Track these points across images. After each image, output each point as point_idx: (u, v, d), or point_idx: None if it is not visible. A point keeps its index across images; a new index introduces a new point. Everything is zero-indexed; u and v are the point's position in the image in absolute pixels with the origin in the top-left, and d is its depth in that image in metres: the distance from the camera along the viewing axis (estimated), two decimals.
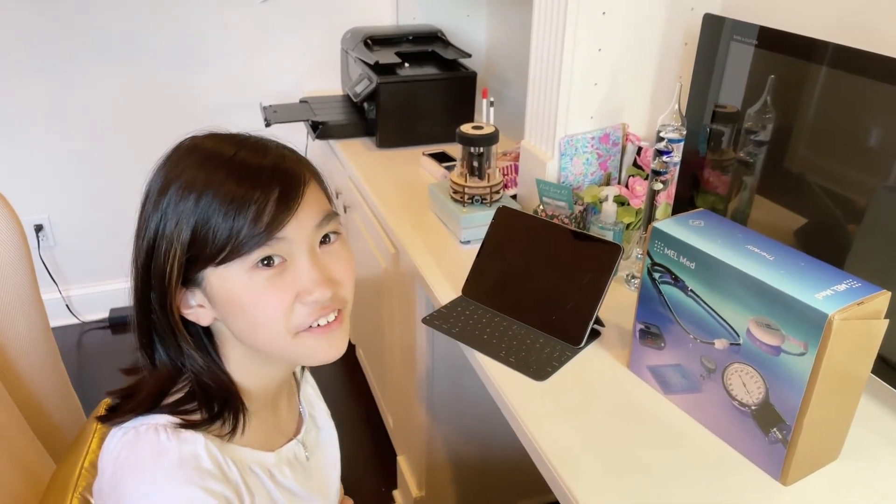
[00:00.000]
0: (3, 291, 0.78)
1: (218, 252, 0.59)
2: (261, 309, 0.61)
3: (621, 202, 1.25)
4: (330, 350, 0.65)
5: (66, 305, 2.33)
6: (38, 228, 2.21)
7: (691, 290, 0.84)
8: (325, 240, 0.65)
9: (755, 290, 0.75)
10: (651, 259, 0.89)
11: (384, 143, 1.82)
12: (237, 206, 0.58)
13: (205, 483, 0.59)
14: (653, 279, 0.89)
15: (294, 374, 0.81)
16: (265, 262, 0.61)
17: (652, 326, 0.92)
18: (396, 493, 1.71)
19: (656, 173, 1.12)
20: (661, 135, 1.10)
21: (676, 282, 0.86)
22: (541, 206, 1.28)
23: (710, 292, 0.82)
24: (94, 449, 0.71)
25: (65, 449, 0.76)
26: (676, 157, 1.11)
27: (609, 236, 1.17)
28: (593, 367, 1.00)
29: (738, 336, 0.79)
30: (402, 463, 1.66)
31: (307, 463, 0.76)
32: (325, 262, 0.64)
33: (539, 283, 1.10)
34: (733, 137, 1.18)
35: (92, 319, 2.37)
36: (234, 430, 0.65)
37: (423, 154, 1.72)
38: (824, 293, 0.72)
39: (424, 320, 1.11)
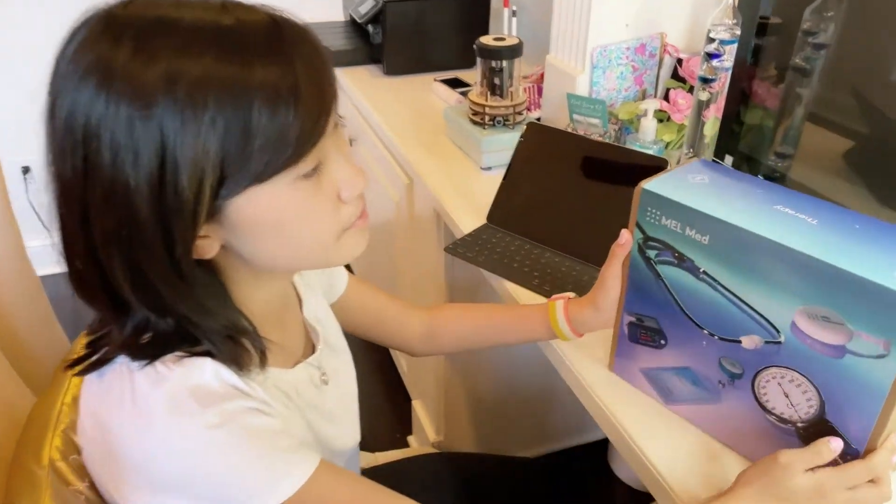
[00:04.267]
0: None
1: (263, 167, 0.47)
2: (311, 221, 0.52)
3: (660, 119, 1.13)
4: (365, 239, 0.59)
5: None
6: (26, 170, 2.09)
7: (704, 273, 0.63)
8: None
9: (803, 270, 0.55)
10: (643, 233, 0.67)
11: (392, 70, 1.69)
12: (281, 101, 0.46)
13: (221, 406, 0.49)
14: (646, 259, 0.68)
15: (294, 285, 0.71)
16: (311, 170, 0.51)
17: (646, 319, 0.71)
18: (412, 439, 1.64)
19: (704, 81, 1.00)
20: (712, 35, 0.97)
21: (681, 262, 0.64)
22: (571, 125, 1.16)
23: (734, 274, 0.61)
24: (77, 383, 0.62)
25: (47, 383, 0.67)
26: (728, 61, 0.99)
27: None
28: None
29: (778, 332, 0.59)
30: (418, 408, 1.58)
31: (325, 388, 0.67)
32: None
33: (574, 207, 1.00)
34: (787, 42, 1.06)
35: None
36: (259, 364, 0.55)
37: (435, 80, 1.59)
38: None
39: (447, 249, 1.01)
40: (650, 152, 1.06)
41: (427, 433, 1.50)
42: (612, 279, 0.71)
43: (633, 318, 0.73)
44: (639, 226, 0.67)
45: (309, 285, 0.72)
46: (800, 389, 0.60)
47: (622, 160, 0.98)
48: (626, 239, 0.68)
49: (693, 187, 0.65)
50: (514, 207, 1.05)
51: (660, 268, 0.67)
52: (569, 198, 1.00)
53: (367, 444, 0.92)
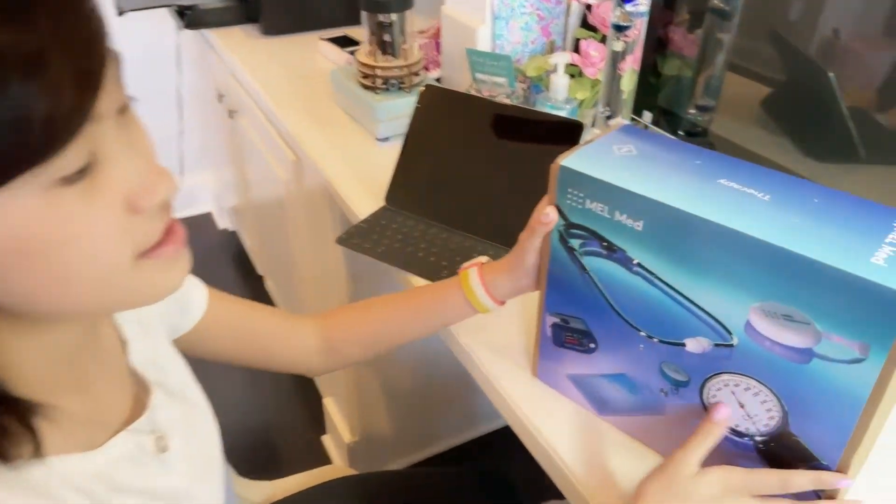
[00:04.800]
0: None
1: None
2: (84, 244, 0.37)
3: (571, 74, 1.01)
4: (184, 268, 0.44)
5: None
6: None
7: (638, 265, 0.52)
8: None
9: (758, 259, 0.45)
10: (564, 219, 0.55)
11: (271, 30, 1.49)
12: (12, 70, 0.31)
13: None
14: (569, 249, 0.57)
15: (115, 326, 0.54)
16: (78, 171, 0.35)
17: (571, 319, 0.60)
18: (326, 439, 1.50)
19: (618, 29, 0.88)
20: None
21: (611, 252, 0.53)
22: (474, 86, 1.02)
23: (674, 266, 0.50)
24: None
25: None
26: (643, 5, 0.87)
27: None
28: None
29: (730, 334, 0.49)
30: (330, 405, 1.44)
31: (164, 456, 0.51)
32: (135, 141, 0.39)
33: (482, 182, 0.87)
34: None
35: None
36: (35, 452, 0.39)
37: (321, 39, 1.41)
38: (882, 252, 0.42)
39: (339, 240, 0.86)
40: (563, 113, 0.94)
41: (341, 433, 1.37)
42: (530, 251, 0.59)
43: (556, 319, 0.61)
44: (560, 211, 0.55)
45: (136, 320, 0.55)
46: (758, 399, 0.50)
47: (530, 125, 0.85)
48: (552, 219, 0.55)
49: (620, 161, 0.53)
50: (415, 185, 0.91)
51: (585, 260, 0.56)
52: (476, 171, 0.87)
53: (276, 450, 0.77)
